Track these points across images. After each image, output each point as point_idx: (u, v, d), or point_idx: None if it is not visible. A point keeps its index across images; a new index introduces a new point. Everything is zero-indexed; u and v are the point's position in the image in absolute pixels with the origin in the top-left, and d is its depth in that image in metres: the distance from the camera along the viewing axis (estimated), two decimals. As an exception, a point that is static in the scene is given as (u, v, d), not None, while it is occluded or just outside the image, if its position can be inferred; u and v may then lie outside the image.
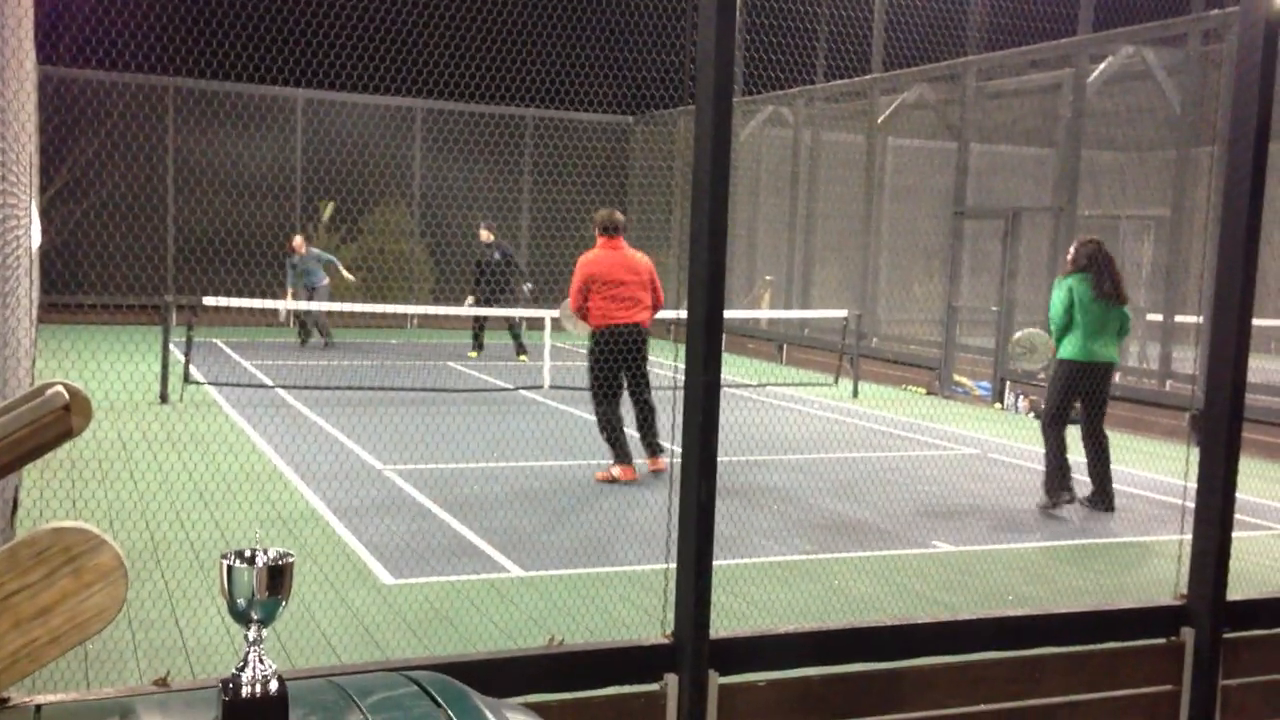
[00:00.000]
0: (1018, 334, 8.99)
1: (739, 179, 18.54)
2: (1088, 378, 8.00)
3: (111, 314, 17.78)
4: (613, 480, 8.27)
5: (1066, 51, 13.42)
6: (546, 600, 5.60)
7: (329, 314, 16.46)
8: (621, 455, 8.31)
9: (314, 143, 19.71)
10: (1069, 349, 8.06)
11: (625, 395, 8.47)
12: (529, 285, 16.71)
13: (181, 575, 5.69)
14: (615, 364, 8.26)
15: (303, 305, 15.11)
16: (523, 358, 15.99)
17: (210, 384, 11.99)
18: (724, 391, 3.63)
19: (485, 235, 16.13)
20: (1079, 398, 8.04)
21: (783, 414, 11.99)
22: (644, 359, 8.39)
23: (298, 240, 16.54)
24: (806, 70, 16.98)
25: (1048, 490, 8.04)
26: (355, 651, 4.80)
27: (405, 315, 18.95)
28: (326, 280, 16.31)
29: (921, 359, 15.04)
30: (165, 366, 11.08)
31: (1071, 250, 8.32)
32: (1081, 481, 8.14)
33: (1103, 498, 8.12)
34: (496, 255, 15.96)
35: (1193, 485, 4.36)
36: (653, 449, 8.49)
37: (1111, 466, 8.15)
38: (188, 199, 18.85)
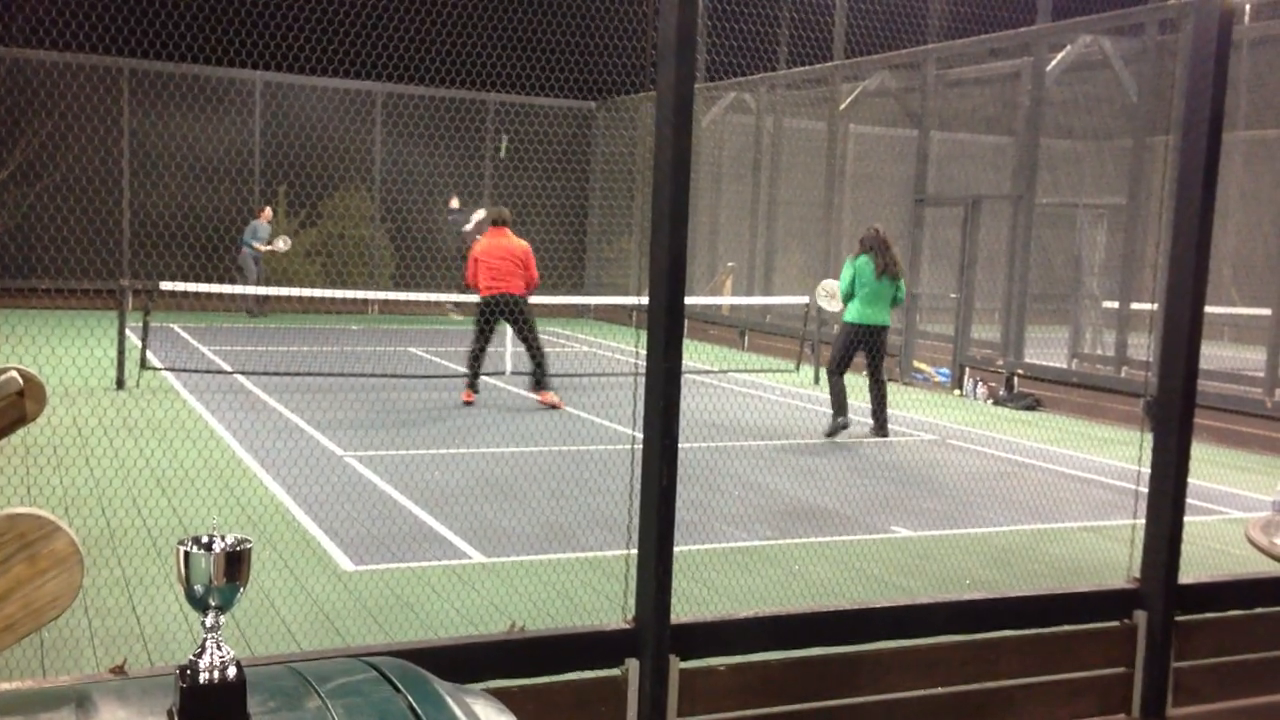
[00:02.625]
0: (825, 281, 11.32)
1: (701, 165, 18.56)
2: (864, 337, 10.01)
3: (66, 299, 17.55)
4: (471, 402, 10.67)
5: (1025, 40, 13.51)
6: (508, 586, 5.60)
7: (282, 298, 17.48)
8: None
9: (273, 126, 19.50)
10: (850, 314, 10.11)
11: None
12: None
13: (138, 563, 5.64)
14: (493, 320, 10.78)
15: (241, 290, 16.14)
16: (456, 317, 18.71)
17: (168, 370, 11.87)
18: (685, 378, 3.64)
19: (454, 202, 18.99)
20: (860, 352, 10.08)
21: (744, 400, 12.04)
22: (521, 315, 10.78)
23: (267, 210, 18.55)
24: (769, 57, 17.00)
25: (835, 413, 10.04)
26: (315, 638, 4.78)
27: (366, 301, 18.86)
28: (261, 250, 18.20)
29: (882, 345, 15.11)
30: (122, 352, 10.95)
31: (863, 234, 10.35)
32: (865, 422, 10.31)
33: (879, 428, 10.21)
34: (468, 228, 18.34)
35: (1146, 470, 4.42)
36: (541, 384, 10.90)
37: (889, 405, 10.31)
38: (144, 182, 18.61)
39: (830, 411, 10.15)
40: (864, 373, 10.28)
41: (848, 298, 10.11)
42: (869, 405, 10.31)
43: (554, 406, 10.67)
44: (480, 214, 15.95)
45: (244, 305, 18.25)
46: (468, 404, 10.68)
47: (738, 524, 7.01)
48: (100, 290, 17.26)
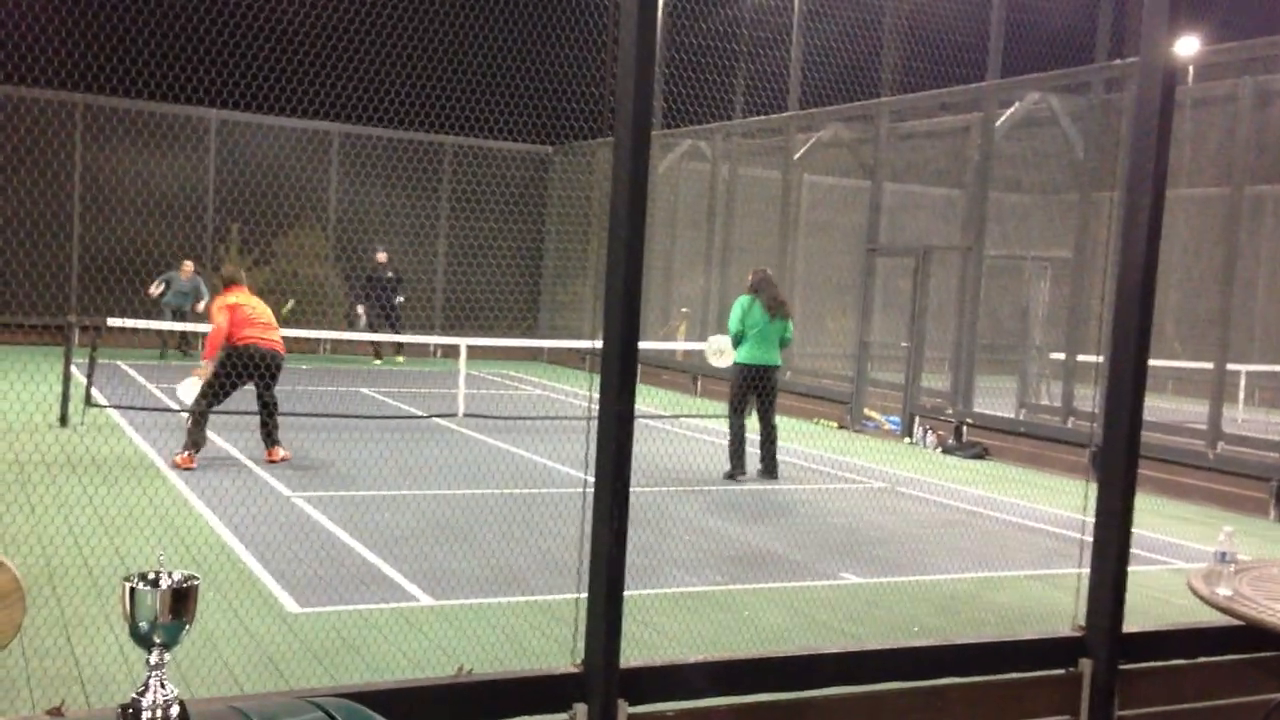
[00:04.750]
0: (711, 338, 11.31)
1: (656, 211, 18.66)
2: (755, 377, 10.10)
3: (11, 333, 17.29)
4: (181, 466, 9.21)
5: (976, 96, 13.77)
6: (456, 629, 5.55)
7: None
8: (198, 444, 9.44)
9: (227, 164, 19.41)
10: (741, 355, 10.19)
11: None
12: (400, 299, 19.17)
13: (79, 603, 5.54)
14: (249, 376, 9.55)
15: (181, 326, 16.05)
16: (376, 362, 18.88)
17: (113, 407, 11.70)
18: (637, 422, 3.65)
19: (382, 257, 19.02)
20: (751, 392, 10.16)
21: (696, 445, 12.04)
22: (278, 373, 9.82)
23: (188, 265, 17.51)
24: (725, 106, 17.20)
25: (731, 463, 10.18)
26: (259, 681, 4.70)
27: (318, 340, 18.73)
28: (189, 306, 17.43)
29: (833, 393, 15.24)
30: (66, 388, 10.79)
31: (750, 277, 10.51)
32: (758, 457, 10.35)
33: (770, 468, 10.26)
34: (389, 274, 18.78)
35: (1091, 520, 4.48)
36: (273, 439, 9.84)
37: (779, 445, 10.42)
38: (94, 218, 18.41)
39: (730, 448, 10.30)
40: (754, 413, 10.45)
41: (739, 338, 10.17)
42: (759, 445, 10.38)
43: (285, 460, 9.72)
44: None
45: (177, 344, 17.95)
46: (189, 469, 9.16)
47: (688, 569, 7.00)
48: (47, 325, 17.01)
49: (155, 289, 17.23)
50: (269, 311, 9.96)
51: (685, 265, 19.13)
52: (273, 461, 9.64)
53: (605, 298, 3.54)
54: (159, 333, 17.28)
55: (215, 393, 9.41)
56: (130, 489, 8.10)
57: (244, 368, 9.46)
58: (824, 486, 10.44)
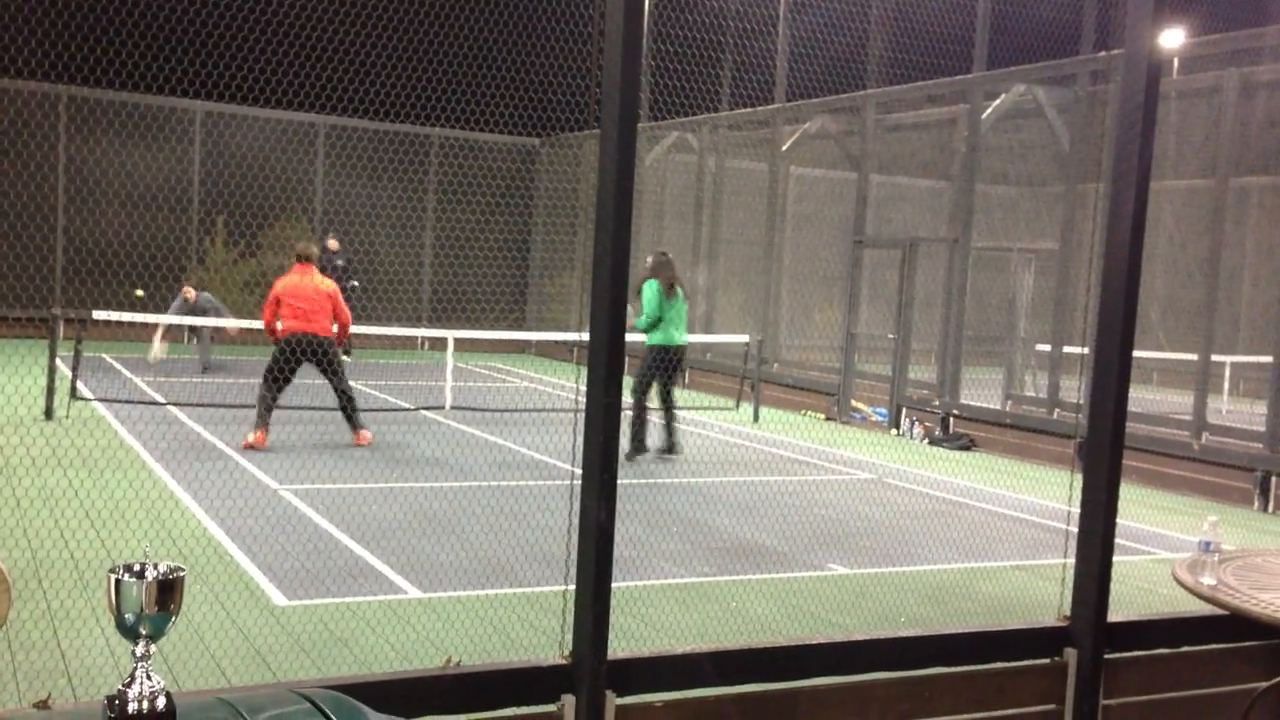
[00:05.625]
0: None
1: (643, 203, 18.66)
2: (672, 358, 10.35)
3: (-5, 326, 17.20)
4: (252, 446, 9.74)
5: (962, 88, 13.79)
6: (444, 622, 5.55)
7: (216, 331, 16.37)
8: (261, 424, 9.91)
9: (213, 155, 19.33)
10: (658, 338, 10.29)
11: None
12: (355, 283, 18.75)
13: (65, 596, 5.52)
14: (294, 363, 10.05)
15: (189, 320, 15.37)
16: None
17: (99, 400, 11.66)
18: (625, 414, 3.65)
19: (333, 244, 18.58)
20: (661, 373, 10.36)
21: (684, 437, 12.05)
22: (331, 359, 10.25)
23: (189, 291, 16.23)
24: (711, 98, 17.19)
25: (632, 445, 10.22)
26: (246, 674, 4.70)
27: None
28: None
29: (821, 384, 15.26)
30: (51, 382, 10.75)
31: (650, 260, 10.69)
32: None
33: (670, 445, 10.50)
34: (339, 262, 18.32)
35: (1077, 510, 4.50)
36: (354, 426, 10.41)
37: (679, 422, 10.77)
38: (79, 209, 18.32)
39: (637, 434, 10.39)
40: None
41: (655, 321, 10.26)
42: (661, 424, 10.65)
43: (368, 443, 10.33)
44: None
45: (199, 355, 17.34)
46: (253, 448, 9.74)
47: (676, 561, 7.01)
48: (31, 318, 16.93)
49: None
50: (315, 293, 10.17)
51: (672, 257, 19.10)
52: (359, 445, 10.23)
53: (592, 290, 3.54)
54: (183, 327, 16.62)
55: (275, 378, 10.00)
56: (116, 482, 8.07)
57: (290, 354, 10.02)
58: (811, 478, 10.46)
